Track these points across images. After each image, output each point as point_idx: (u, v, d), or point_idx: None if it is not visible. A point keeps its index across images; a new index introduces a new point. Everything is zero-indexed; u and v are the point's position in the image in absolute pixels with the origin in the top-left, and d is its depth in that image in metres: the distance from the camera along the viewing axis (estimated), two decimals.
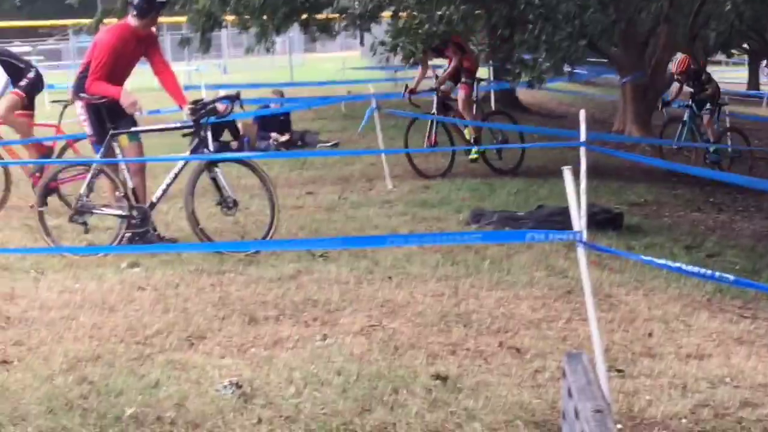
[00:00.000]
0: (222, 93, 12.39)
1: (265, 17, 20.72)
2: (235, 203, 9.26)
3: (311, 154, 13.82)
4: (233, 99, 9.95)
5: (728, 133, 17.15)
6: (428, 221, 10.52)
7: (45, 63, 48.12)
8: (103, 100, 9.23)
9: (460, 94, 14.59)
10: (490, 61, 24.31)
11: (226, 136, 16.92)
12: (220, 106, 9.68)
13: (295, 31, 31.24)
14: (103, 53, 9.29)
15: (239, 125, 17.11)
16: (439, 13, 14.72)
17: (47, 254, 8.95)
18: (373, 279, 8.04)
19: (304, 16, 22.74)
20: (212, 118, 9.57)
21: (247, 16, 21.13)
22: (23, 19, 57.30)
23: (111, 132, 9.26)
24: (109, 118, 9.27)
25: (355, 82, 25.75)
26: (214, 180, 9.27)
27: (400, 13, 17.31)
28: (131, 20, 9.47)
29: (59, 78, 34.86)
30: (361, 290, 7.71)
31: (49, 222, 9.47)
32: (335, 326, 6.84)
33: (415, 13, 15.50)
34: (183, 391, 5.61)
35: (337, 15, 23.32)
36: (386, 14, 21.13)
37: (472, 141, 14.50)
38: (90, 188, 9.34)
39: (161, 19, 12.07)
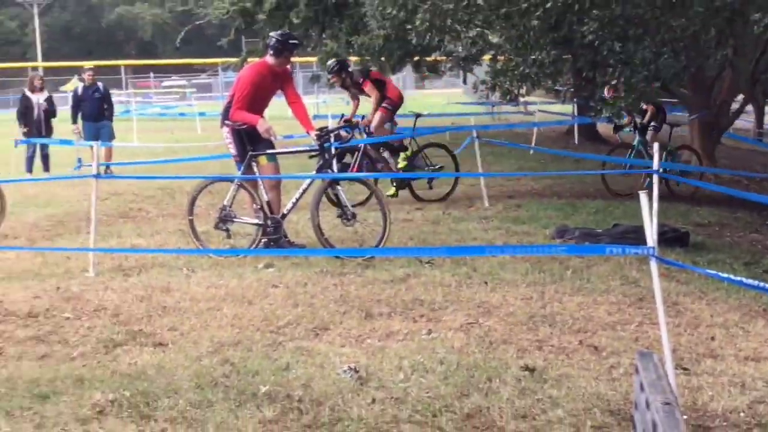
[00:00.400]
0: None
1: (383, 58, 20.85)
2: (354, 216, 9.30)
3: (420, 175, 13.76)
4: (354, 127, 10.03)
5: (680, 151, 16.46)
6: (519, 235, 10.43)
7: (198, 94, 49.22)
8: (244, 127, 9.36)
9: (377, 115, 13.08)
10: (575, 99, 24.13)
11: (347, 158, 17.01)
12: (343, 133, 9.76)
13: (407, 70, 31.33)
14: (245, 87, 9.42)
15: None
16: (533, 57, 14.61)
17: (197, 255, 9.11)
18: (471, 283, 8.00)
19: (416, 58, 22.87)
20: (335, 143, 9.63)
21: (368, 57, 21.28)
22: (180, 58, 58.54)
23: (250, 153, 9.40)
24: (249, 141, 9.39)
25: (458, 115, 25.80)
26: (336, 196, 9.34)
27: (499, 57, 17.21)
28: (269, 59, 9.59)
29: (209, 107, 35.60)
30: (461, 292, 7.68)
31: (198, 228, 9.65)
32: (439, 323, 6.83)
33: (511, 56, 15.39)
34: (309, 374, 5.66)
35: (444, 57, 23.37)
36: (486, 57, 21.08)
37: (398, 170, 13.18)
38: (232, 200, 9.50)
39: (294, 59, 12.16)
